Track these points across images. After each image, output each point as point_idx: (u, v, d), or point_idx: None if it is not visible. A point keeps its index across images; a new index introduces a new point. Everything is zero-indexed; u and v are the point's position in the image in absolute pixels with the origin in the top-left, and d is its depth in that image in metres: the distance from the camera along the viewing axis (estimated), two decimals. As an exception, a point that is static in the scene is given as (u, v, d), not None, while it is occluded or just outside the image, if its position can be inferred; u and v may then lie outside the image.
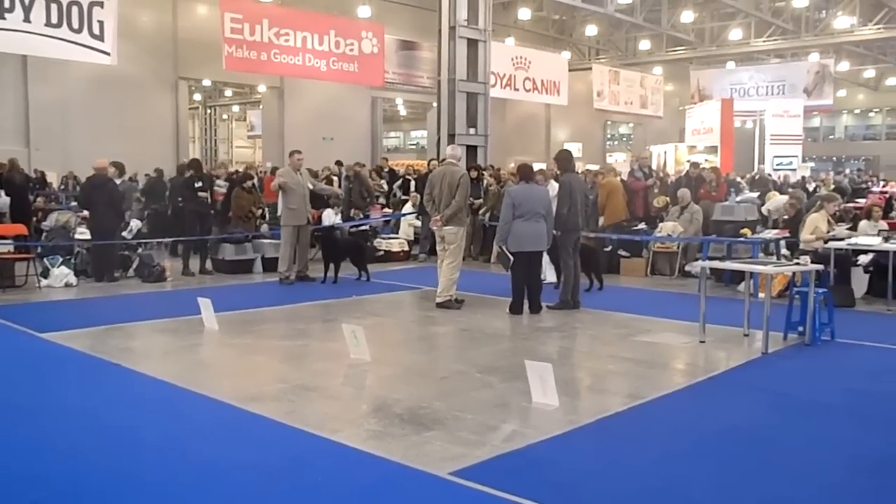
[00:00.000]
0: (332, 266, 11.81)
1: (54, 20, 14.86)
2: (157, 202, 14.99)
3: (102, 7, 15.44)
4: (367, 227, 15.21)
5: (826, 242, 10.01)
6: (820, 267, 8.34)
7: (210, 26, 20.61)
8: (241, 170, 18.19)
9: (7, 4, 14.16)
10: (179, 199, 12.79)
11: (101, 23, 15.43)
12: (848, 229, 11.17)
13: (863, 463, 4.65)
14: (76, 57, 15.89)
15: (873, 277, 10.58)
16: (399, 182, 18.18)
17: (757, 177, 19.94)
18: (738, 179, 20.06)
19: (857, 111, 49.64)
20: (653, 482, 4.29)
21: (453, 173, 9.74)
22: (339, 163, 18.04)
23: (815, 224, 10.10)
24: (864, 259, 10.52)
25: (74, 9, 15.07)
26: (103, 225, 11.84)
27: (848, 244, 10.12)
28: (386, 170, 19.18)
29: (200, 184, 12.67)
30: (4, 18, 14.20)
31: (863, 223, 11.36)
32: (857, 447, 4.91)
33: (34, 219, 14.43)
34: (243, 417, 5.29)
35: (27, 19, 14.44)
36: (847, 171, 28.45)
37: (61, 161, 20.81)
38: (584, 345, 8.16)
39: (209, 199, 12.77)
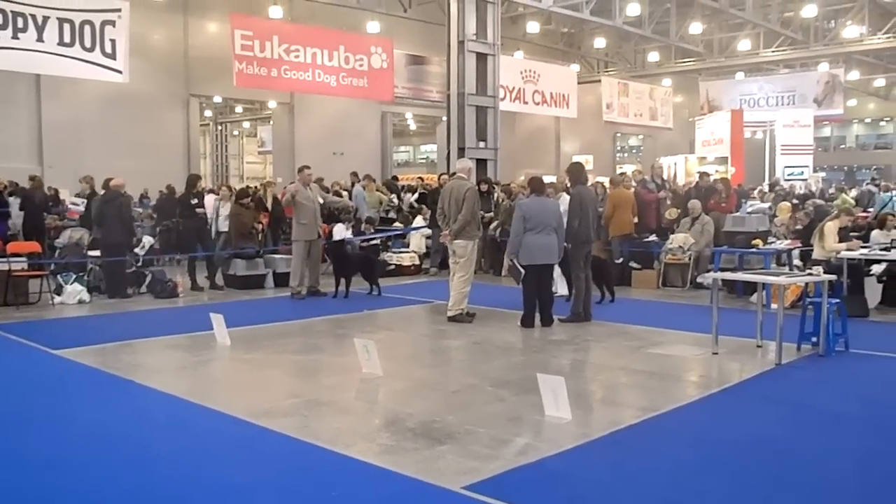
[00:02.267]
0: (343, 281, 11.84)
1: (67, 39, 15.01)
2: (168, 219, 15.05)
3: (114, 26, 15.58)
4: (377, 242, 15.22)
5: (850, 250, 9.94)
6: (833, 277, 8.27)
7: (221, 43, 20.77)
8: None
9: (21, 24, 14.32)
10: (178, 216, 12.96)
11: (112, 41, 15.58)
12: (859, 238, 11.11)
13: (878, 474, 4.62)
14: (89, 75, 16.03)
15: (887, 287, 10.53)
16: (415, 196, 18.25)
17: (777, 187, 19.82)
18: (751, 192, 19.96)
19: (868, 120, 49.45)
20: (667, 495, 4.26)
21: (460, 187, 9.76)
22: (354, 174, 18.01)
23: (834, 232, 10.02)
24: (877, 269, 10.46)
25: (87, 28, 15.22)
26: (112, 240, 11.90)
27: (861, 254, 10.07)
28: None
29: (196, 200, 12.77)
30: (18, 38, 14.36)
31: (875, 233, 11.30)
32: (873, 458, 4.87)
33: (47, 236, 14.52)
34: (256, 433, 5.30)
35: (40, 39, 14.60)
36: (868, 181, 28.07)
37: (74, 179, 20.91)
38: (596, 357, 8.13)
39: (206, 215, 12.88)
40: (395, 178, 20.91)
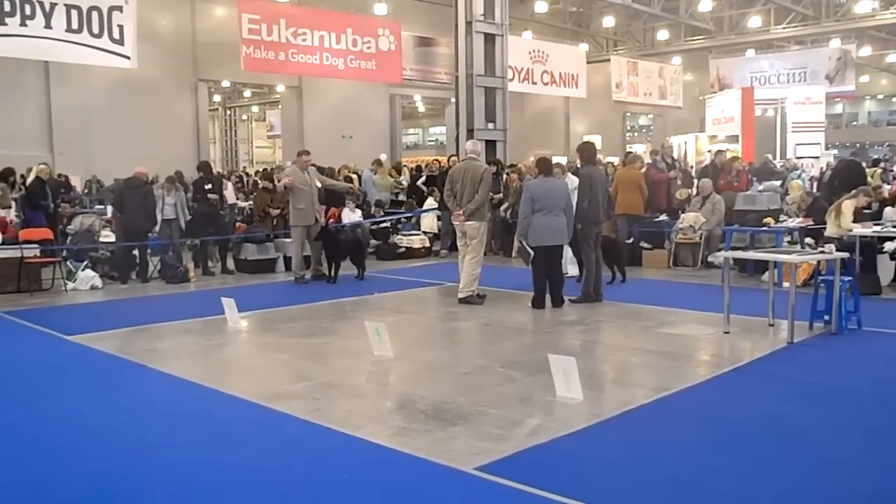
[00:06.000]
0: (334, 265, 11.82)
1: (75, 26, 15.01)
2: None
3: (122, 11, 15.56)
4: (387, 224, 15.22)
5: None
6: (845, 255, 8.21)
7: (228, 28, 20.75)
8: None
9: (28, 11, 14.32)
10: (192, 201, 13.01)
11: (120, 27, 15.57)
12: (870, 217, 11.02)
13: (889, 451, 4.61)
14: (97, 62, 16.03)
15: (900, 264, 10.46)
16: (423, 178, 18.20)
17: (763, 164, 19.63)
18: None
19: (881, 96, 49.04)
20: (678, 474, 4.27)
21: (475, 168, 9.72)
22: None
23: (851, 211, 9.92)
24: (889, 246, 10.39)
25: (94, 14, 15.21)
26: (133, 227, 11.99)
27: (873, 232, 9.99)
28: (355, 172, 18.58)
29: (210, 185, 12.80)
30: (26, 25, 14.36)
31: (888, 210, 11.22)
32: (885, 436, 4.85)
33: (61, 224, 14.57)
34: (268, 416, 5.33)
35: (48, 25, 14.60)
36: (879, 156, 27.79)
37: (84, 165, 21.02)
38: (607, 338, 8.13)
39: (217, 201, 12.92)
40: (379, 164, 20.58)
